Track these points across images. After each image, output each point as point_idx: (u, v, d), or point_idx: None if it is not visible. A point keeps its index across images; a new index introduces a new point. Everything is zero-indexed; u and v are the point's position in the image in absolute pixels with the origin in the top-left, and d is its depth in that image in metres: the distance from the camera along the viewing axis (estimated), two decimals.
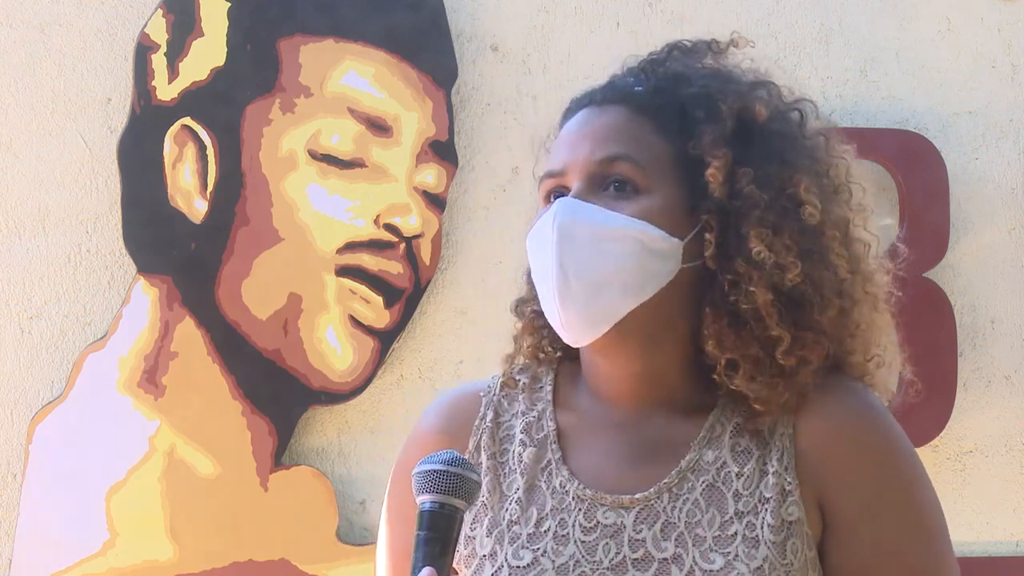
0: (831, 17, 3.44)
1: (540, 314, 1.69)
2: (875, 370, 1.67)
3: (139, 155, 3.22)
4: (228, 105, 3.23)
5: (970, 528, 3.40)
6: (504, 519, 1.64)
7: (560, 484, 1.64)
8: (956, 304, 3.40)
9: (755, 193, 1.61)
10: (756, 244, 1.59)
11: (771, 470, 1.60)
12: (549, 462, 1.66)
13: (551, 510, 1.63)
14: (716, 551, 1.57)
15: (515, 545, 1.62)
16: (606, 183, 1.62)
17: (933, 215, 3.38)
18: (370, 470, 3.27)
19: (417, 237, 3.25)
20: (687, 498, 1.60)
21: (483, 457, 1.68)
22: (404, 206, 3.25)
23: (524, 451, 1.67)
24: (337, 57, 3.26)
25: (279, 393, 3.23)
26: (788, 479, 1.59)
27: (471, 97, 3.35)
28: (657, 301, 1.60)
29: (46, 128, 3.25)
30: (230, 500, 3.20)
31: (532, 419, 1.69)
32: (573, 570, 1.59)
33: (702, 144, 1.62)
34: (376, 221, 3.24)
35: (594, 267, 1.59)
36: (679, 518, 1.59)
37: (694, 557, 1.57)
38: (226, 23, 3.23)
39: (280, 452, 3.22)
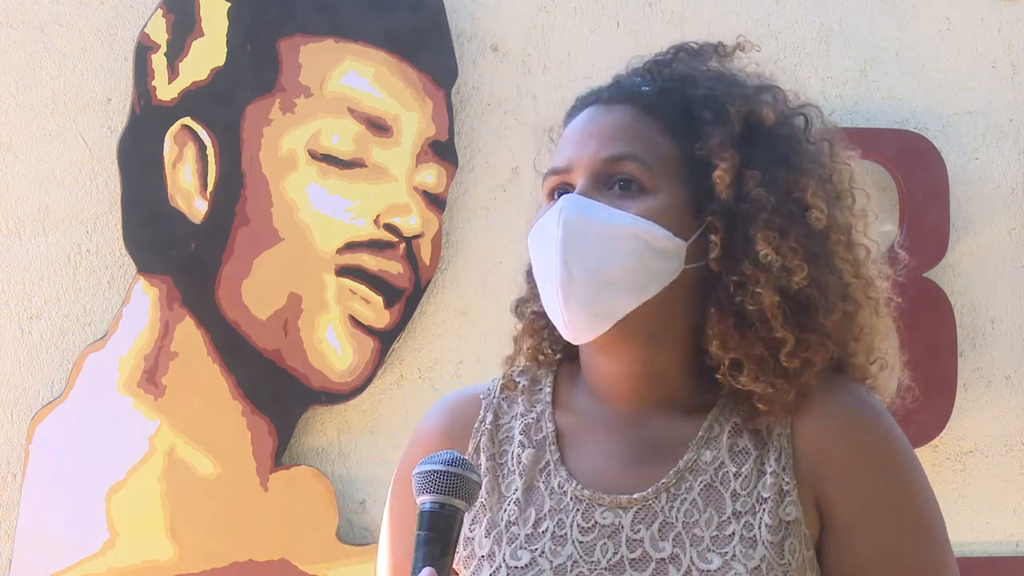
0: (831, 17, 3.44)
1: (540, 315, 1.70)
2: (878, 372, 1.68)
3: (139, 155, 3.22)
4: (228, 105, 3.23)
5: (970, 528, 3.40)
6: (502, 520, 1.64)
7: (558, 485, 1.64)
8: (956, 304, 3.40)
9: (762, 196, 1.61)
10: (763, 247, 1.60)
11: (769, 470, 1.60)
12: (548, 463, 1.66)
13: (549, 511, 1.63)
14: (714, 551, 1.57)
15: (513, 545, 1.62)
16: (611, 182, 1.62)
17: (933, 215, 3.38)
18: (370, 470, 3.27)
19: (417, 237, 3.25)
20: (685, 498, 1.60)
21: (482, 458, 1.68)
22: (404, 206, 3.25)
23: (523, 452, 1.67)
24: (337, 57, 3.26)
25: (279, 393, 3.23)
26: (786, 479, 1.60)
27: (471, 97, 3.35)
28: (659, 300, 1.61)
29: (46, 128, 3.25)
30: (230, 500, 3.20)
31: (531, 420, 1.69)
32: (571, 570, 1.59)
33: (709, 146, 1.63)
34: (376, 221, 3.24)
35: (598, 265, 1.59)
36: (677, 518, 1.59)
37: (691, 557, 1.57)
38: (226, 23, 3.23)
39: (280, 452, 3.22)
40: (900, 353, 1.73)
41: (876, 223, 1.71)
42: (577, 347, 1.69)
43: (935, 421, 3.34)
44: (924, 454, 3.16)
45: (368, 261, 3.24)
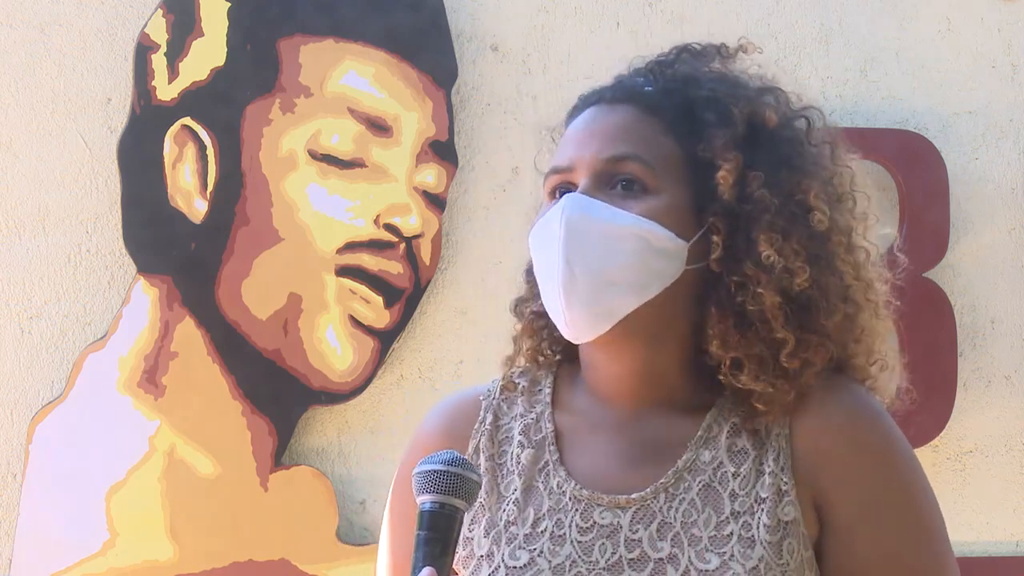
0: (831, 17, 3.44)
1: (540, 315, 1.70)
2: (877, 373, 1.68)
3: (139, 155, 3.22)
4: (228, 105, 3.23)
5: (970, 528, 3.40)
6: (501, 520, 1.64)
7: (557, 485, 1.64)
8: (956, 304, 3.40)
9: (765, 197, 1.61)
10: (765, 248, 1.60)
11: (767, 470, 1.60)
12: (547, 463, 1.66)
13: (548, 510, 1.63)
14: (712, 551, 1.57)
15: (512, 545, 1.62)
16: (614, 181, 1.63)
17: (933, 215, 3.38)
18: (370, 470, 3.27)
19: (417, 237, 3.25)
20: (683, 498, 1.60)
21: (482, 459, 1.68)
22: (404, 206, 3.25)
23: (522, 452, 1.67)
24: (337, 57, 3.26)
25: (279, 393, 3.23)
26: (784, 479, 1.60)
27: (471, 97, 3.35)
28: (661, 300, 1.61)
29: (46, 128, 3.25)
30: (230, 500, 3.20)
31: (531, 421, 1.70)
32: (569, 570, 1.59)
33: (713, 147, 1.63)
34: (376, 221, 3.24)
35: (600, 264, 1.59)
36: (675, 518, 1.59)
37: (690, 557, 1.57)
38: (226, 23, 3.23)
39: (280, 452, 3.22)
40: (900, 355, 1.73)
41: (876, 226, 1.71)
42: (576, 348, 1.69)
43: (935, 421, 3.34)
44: (924, 454, 3.16)
45: (368, 261, 3.24)
